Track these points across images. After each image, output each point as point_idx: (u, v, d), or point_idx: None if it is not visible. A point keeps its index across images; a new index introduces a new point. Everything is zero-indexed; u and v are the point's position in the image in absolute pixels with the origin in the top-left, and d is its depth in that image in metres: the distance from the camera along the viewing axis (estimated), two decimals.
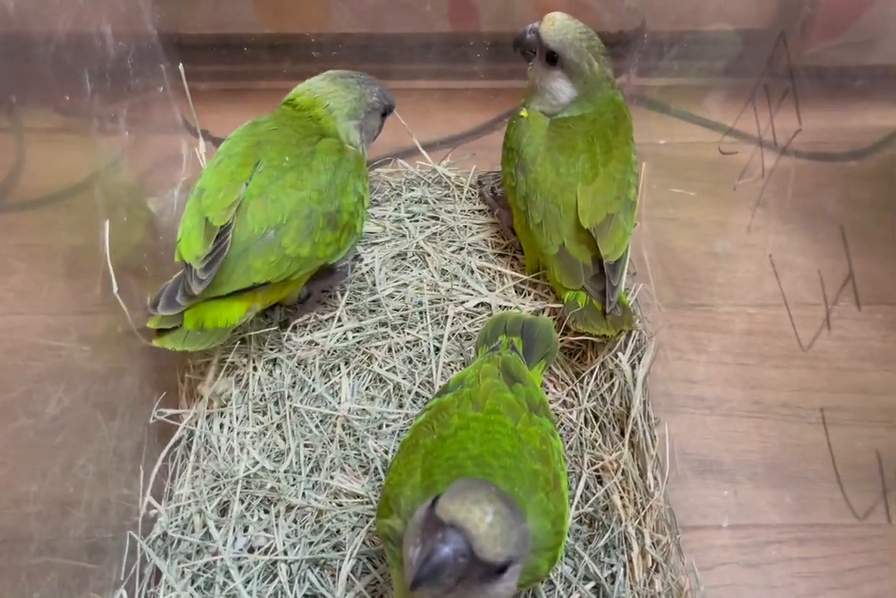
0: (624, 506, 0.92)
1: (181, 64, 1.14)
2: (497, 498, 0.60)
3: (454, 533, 0.56)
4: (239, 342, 1.03)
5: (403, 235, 1.16)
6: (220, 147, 1.00)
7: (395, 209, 1.20)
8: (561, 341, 1.03)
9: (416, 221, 1.19)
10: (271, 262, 0.92)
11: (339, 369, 1.03)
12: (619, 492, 0.93)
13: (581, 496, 0.93)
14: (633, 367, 1.01)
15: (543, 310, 1.07)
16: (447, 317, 1.06)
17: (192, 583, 0.87)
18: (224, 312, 0.92)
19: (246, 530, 0.90)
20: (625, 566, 0.88)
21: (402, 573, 0.64)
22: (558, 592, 0.87)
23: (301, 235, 0.94)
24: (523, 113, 1.10)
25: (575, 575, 0.88)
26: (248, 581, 0.86)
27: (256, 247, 0.91)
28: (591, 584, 0.87)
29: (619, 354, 1.01)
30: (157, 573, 0.88)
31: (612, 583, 0.87)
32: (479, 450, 0.72)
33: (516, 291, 1.10)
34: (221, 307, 0.92)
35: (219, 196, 0.92)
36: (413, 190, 1.24)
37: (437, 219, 1.19)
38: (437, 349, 1.03)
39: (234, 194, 0.92)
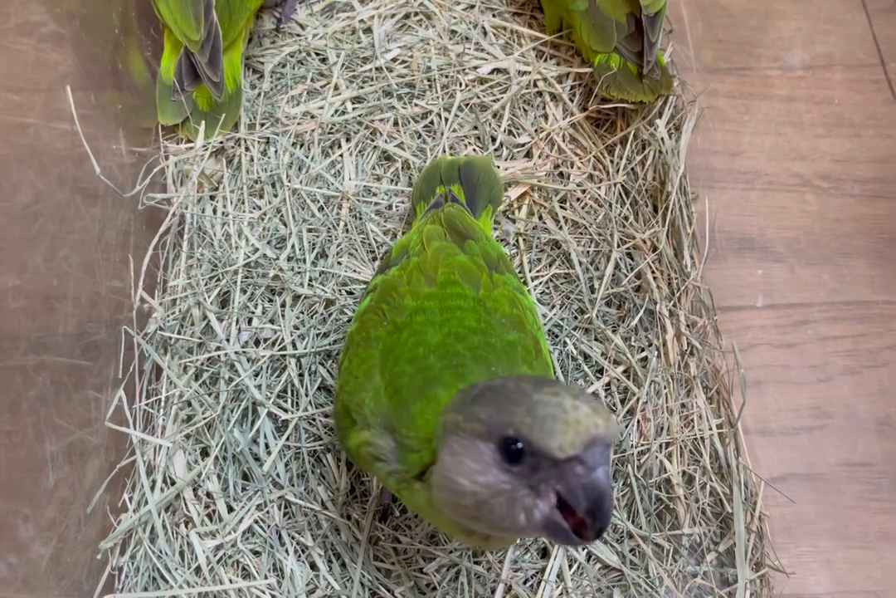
0: (658, 287, 0.85)
1: None
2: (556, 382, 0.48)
3: (591, 449, 0.43)
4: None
5: None
6: None
7: None
8: (586, 110, 0.92)
9: None
10: None
11: (339, 145, 0.92)
12: (652, 272, 0.86)
13: (611, 277, 0.85)
14: (669, 136, 0.90)
15: (568, 75, 0.94)
16: (460, 84, 0.93)
17: (197, 379, 0.81)
18: (230, 60, 0.90)
19: (250, 322, 0.83)
20: (658, 350, 0.83)
21: (428, 503, 0.53)
22: (586, 374, 0.82)
23: None
24: None
25: (605, 358, 0.82)
26: (256, 375, 0.80)
27: None
28: (622, 368, 0.82)
29: (657, 121, 0.89)
30: (158, 370, 0.82)
31: (644, 367, 0.82)
32: (440, 336, 0.60)
33: (537, 55, 0.96)
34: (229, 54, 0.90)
35: None
36: None
37: None
38: (447, 121, 0.92)
39: None
